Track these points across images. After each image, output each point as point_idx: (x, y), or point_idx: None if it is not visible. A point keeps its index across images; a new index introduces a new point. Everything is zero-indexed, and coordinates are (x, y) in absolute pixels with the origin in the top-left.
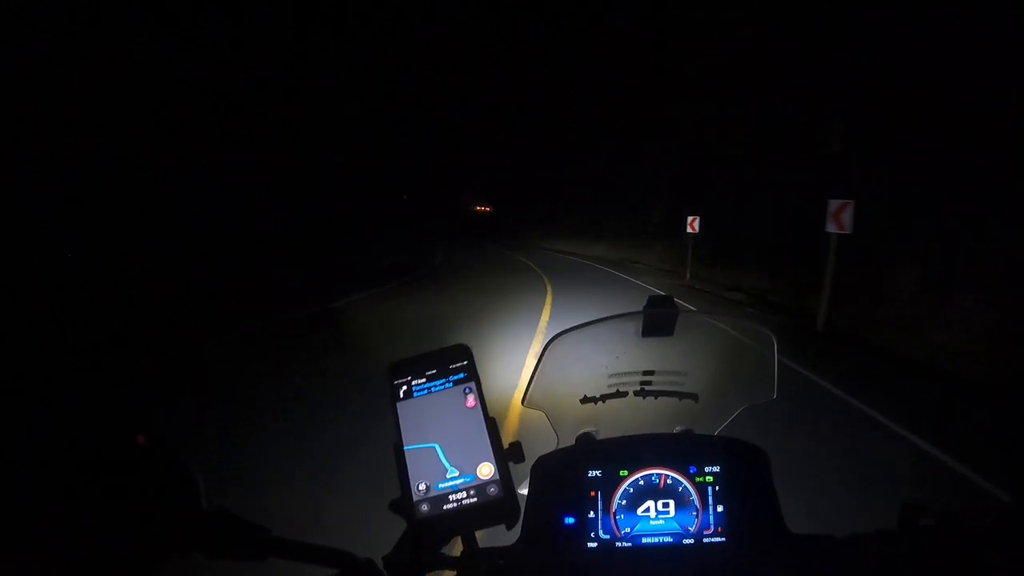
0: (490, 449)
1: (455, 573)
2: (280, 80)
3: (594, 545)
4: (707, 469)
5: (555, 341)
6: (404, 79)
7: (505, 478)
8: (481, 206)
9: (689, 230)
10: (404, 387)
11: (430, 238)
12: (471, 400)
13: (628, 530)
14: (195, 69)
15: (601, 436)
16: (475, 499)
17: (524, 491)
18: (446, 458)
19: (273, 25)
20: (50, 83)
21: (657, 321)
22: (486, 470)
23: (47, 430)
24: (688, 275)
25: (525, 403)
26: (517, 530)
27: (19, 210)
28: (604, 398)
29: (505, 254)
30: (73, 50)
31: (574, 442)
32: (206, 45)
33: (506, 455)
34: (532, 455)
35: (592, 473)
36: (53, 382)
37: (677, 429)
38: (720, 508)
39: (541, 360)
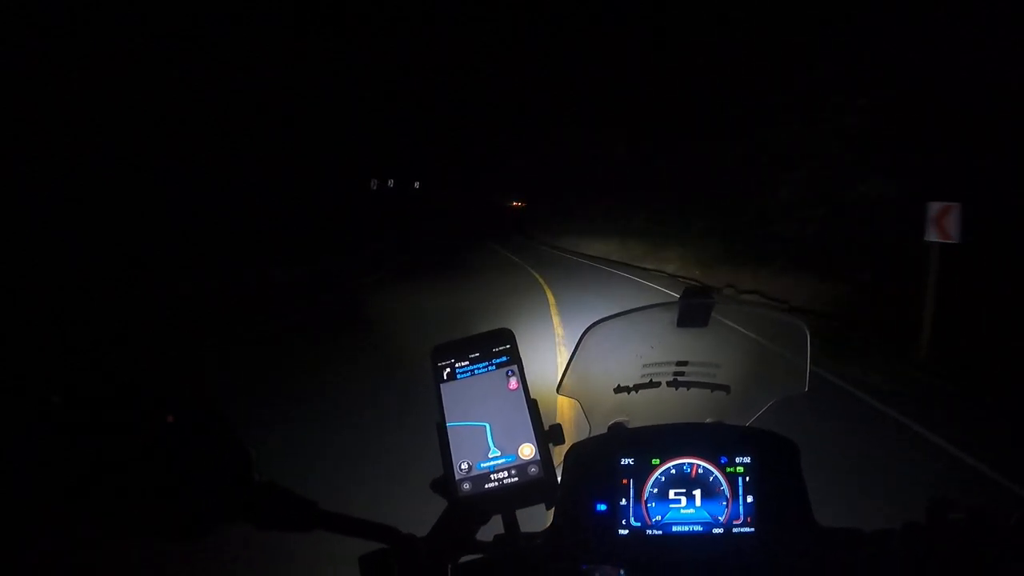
0: (532, 430)
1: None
2: (282, 80)
3: (625, 532)
4: (738, 460)
5: (592, 329)
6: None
7: (546, 459)
8: (517, 202)
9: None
10: (447, 369)
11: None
12: (514, 382)
13: (659, 518)
14: (196, 69)
15: (633, 426)
16: (516, 479)
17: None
18: (492, 438)
19: (280, 26)
20: (48, 82)
21: (693, 312)
22: (527, 450)
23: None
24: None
25: (560, 391)
26: (550, 516)
27: (18, 210)
28: (637, 388)
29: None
30: (68, 49)
31: (606, 431)
32: (208, 45)
33: (547, 436)
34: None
35: (625, 461)
36: (53, 381)
37: (708, 420)
38: (750, 499)
39: (577, 348)
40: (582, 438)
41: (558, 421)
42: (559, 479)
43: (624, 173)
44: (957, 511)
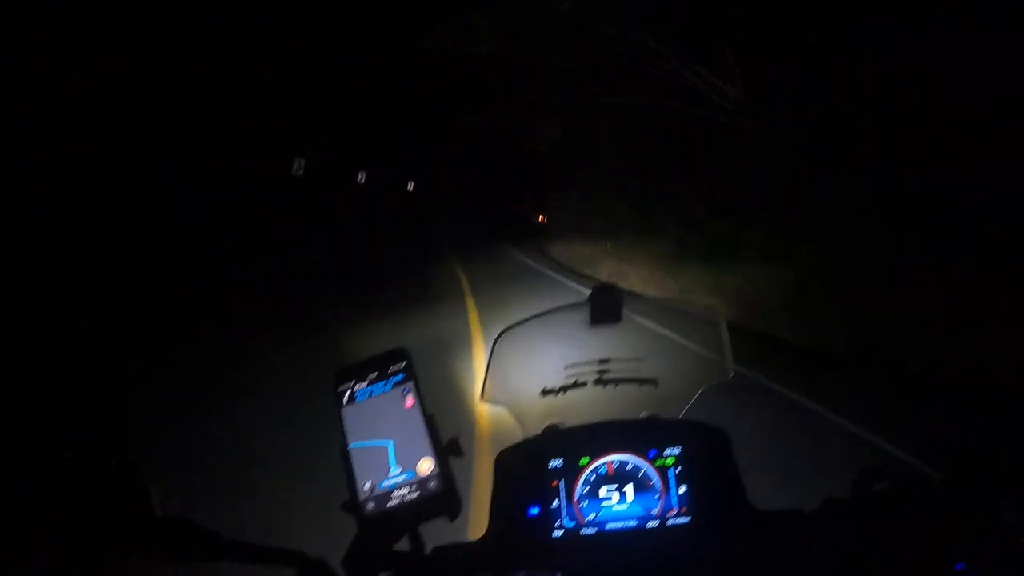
0: (430, 445)
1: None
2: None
3: (559, 533)
4: (667, 452)
5: (503, 337)
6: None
7: (445, 472)
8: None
9: None
10: (348, 392)
11: None
12: (410, 400)
13: (592, 516)
14: (194, 71)
15: (568, 426)
16: (417, 494)
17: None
18: (394, 455)
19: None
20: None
21: (603, 309)
22: (426, 465)
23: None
24: None
25: (483, 399)
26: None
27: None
28: (564, 389)
29: None
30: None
31: (541, 433)
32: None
33: (445, 450)
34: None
35: (553, 463)
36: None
37: (643, 414)
38: (683, 489)
39: (492, 356)
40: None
41: (482, 431)
42: (493, 487)
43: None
44: (881, 481)
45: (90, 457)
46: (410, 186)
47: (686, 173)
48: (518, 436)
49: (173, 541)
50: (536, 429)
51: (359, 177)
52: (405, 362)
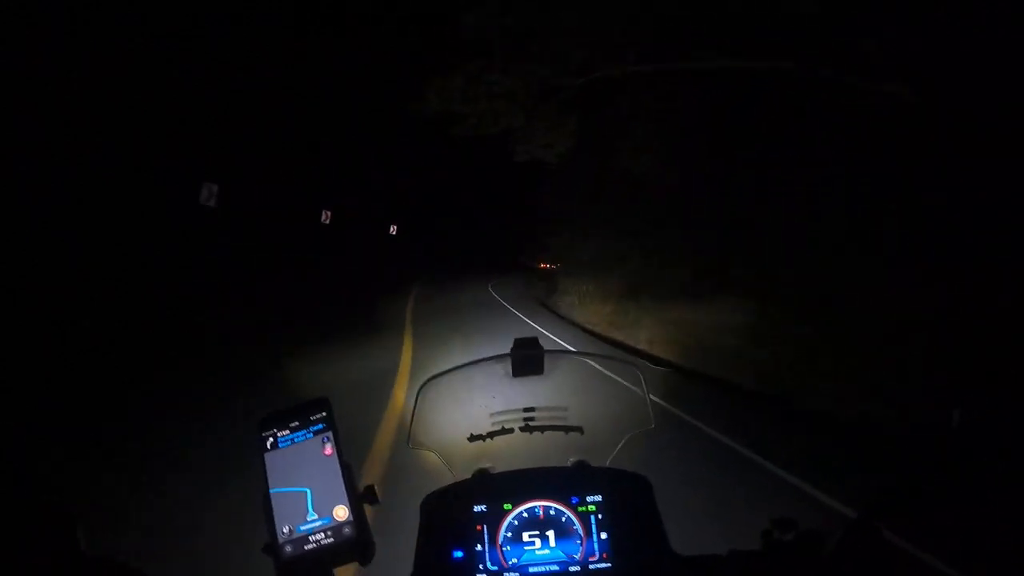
0: (345, 493)
1: None
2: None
3: None
4: (589, 499)
5: (426, 386)
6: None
7: (359, 518)
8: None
9: None
10: (271, 439)
11: None
12: (329, 448)
13: (515, 560)
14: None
15: (498, 471)
16: (332, 539)
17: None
18: (311, 502)
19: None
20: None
21: (525, 362)
22: (341, 512)
23: None
24: None
25: (410, 444)
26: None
27: None
28: (491, 435)
29: None
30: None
31: (471, 476)
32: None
33: (361, 497)
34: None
35: (478, 508)
36: None
37: (571, 461)
38: (604, 536)
39: (416, 404)
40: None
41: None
42: (419, 530)
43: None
44: (787, 532)
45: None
46: (392, 229)
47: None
48: (447, 480)
49: None
50: (466, 473)
51: (323, 216)
52: (325, 412)
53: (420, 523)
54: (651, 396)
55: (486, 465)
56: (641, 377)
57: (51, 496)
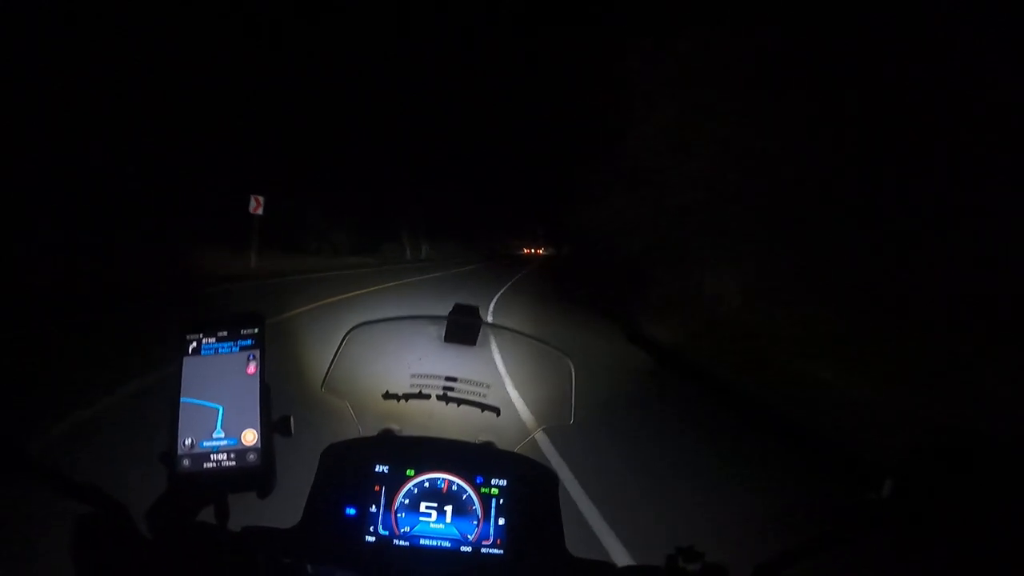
0: (259, 417)
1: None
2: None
3: (372, 539)
4: (494, 482)
5: (355, 331)
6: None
7: (267, 448)
8: (533, 247)
9: None
10: (194, 343)
11: None
12: (252, 367)
13: (407, 529)
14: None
15: (404, 434)
16: (234, 463)
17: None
18: (222, 420)
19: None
20: None
21: (460, 329)
22: (250, 436)
23: None
24: None
25: (323, 388)
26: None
27: None
28: (406, 397)
29: None
30: None
31: (376, 435)
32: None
33: (273, 426)
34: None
35: (379, 468)
36: None
37: (480, 439)
38: (502, 521)
39: (339, 348)
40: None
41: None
42: (315, 478)
43: None
44: (694, 561)
45: None
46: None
47: None
48: (352, 433)
49: None
50: (372, 429)
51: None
52: (258, 328)
53: (317, 471)
54: (575, 393)
55: (393, 426)
56: (572, 372)
57: None
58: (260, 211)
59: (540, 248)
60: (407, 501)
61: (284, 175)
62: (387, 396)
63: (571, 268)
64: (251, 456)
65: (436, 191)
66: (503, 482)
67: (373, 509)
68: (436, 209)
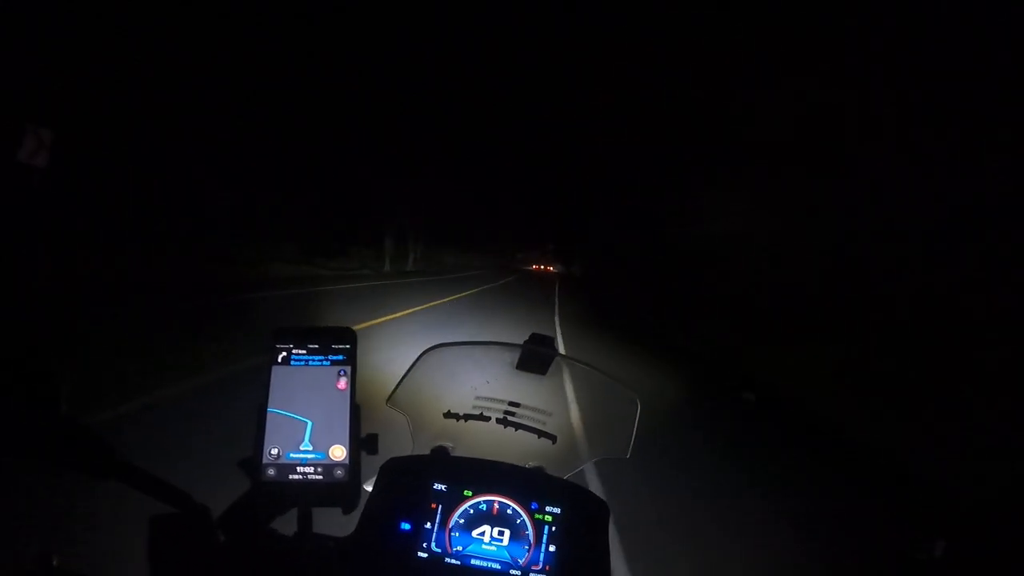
0: (348, 433)
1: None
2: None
3: (424, 556)
4: (548, 508)
5: (431, 352)
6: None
7: (354, 464)
8: (543, 264)
9: None
10: (284, 353)
11: None
12: (343, 383)
13: (460, 548)
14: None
15: (455, 453)
16: (320, 477)
17: (371, 487)
18: (310, 434)
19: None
20: None
21: (534, 358)
22: (338, 452)
23: None
24: None
25: (388, 403)
26: (352, 521)
27: None
28: (467, 417)
29: None
30: None
31: (429, 452)
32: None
33: (361, 444)
34: (387, 455)
35: (437, 486)
36: None
37: (530, 464)
38: (553, 548)
39: (413, 366)
40: (403, 454)
41: (375, 431)
42: (370, 489)
43: None
44: None
45: None
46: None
47: None
48: (407, 447)
49: (70, 446)
50: (425, 445)
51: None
52: (349, 344)
53: (375, 484)
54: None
55: (447, 444)
56: (638, 406)
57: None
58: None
59: (550, 265)
60: (462, 520)
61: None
62: (448, 415)
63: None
64: (338, 472)
65: (436, 192)
66: (557, 509)
67: (428, 526)
68: (437, 212)
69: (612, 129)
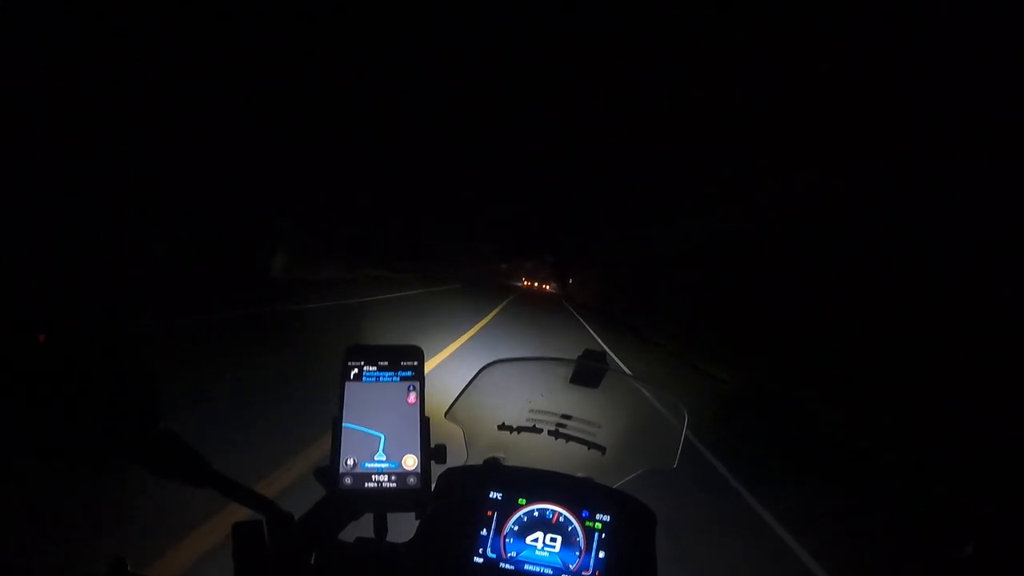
0: (419, 444)
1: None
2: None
3: (480, 560)
4: (598, 516)
5: (491, 367)
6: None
7: (425, 473)
8: (535, 280)
9: None
10: (356, 370)
11: None
12: (413, 398)
13: (514, 554)
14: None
15: (507, 463)
16: (395, 484)
17: None
18: (384, 446)
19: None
20: None
21: (587, 372)
22: (411, 462)
23: None
24: None
25: (447, 416)
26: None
27: None
28: (520, 429)
29: None
30: None
31: (482, 463)
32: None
33: (431, 453)
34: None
35: (493, 494)
36: None
37: (580, 475)
38: (602, 554)
39: (472, 381)
40: (457, 464)
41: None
42: (431, 499)
43: None
44: None
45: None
46: None
47: None
48: (460, 457)
49: (164, 457)
50: (477, 455)
51: None
52: (417, 361)
53: (434, 493)
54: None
55: (499, 455)
56: (686, 417)
57: (131, 359)
58: None
59: (545, 283)
60: (516, 528)
61: None
62: (502, 427)
63: None
64: (411, 480)
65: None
66: (607, 517)
67: (484, 532)
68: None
69: (634, 132)
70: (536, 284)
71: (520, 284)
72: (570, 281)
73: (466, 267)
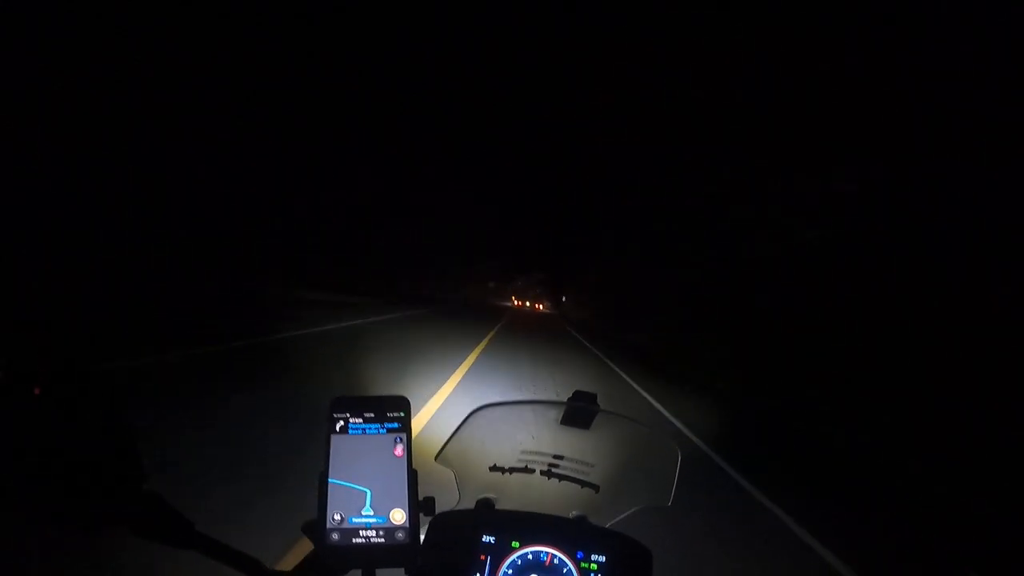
0: (407, 497)
1: None
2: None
3: None
4: (593, 557)
5: (480, 411)
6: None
7: (414, 527)
8: (525, 299)
9: None
10: (341, 422)
11: None
12: (400, 450)
13: None
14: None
15: (500, 506)
16: (383, 540)
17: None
18: (371, 501)
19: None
20: None
21: (577, 413)
22: (399, 516)
23: None
24: None
25: (438, 460)
26: None
27: None
28: (512, 470)
29: None
30: None
31: (473, 505)
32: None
33: (419, 507)
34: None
35: (486, 538)
36: None
37: (573, 514)
38: None
39: (462, 426)
40: (448, 508)
41: (431, 495)
42: (421, 544)
43: None
44: None
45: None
46: None
47: None
48: (452, 500)
49: (147, 518)
50: (470, 498)
51: None
52: (403, 412)
53: (425, 538)
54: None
55: (490, 495)
56: (678, 456)
57: (115, 419)
58: None
59: (538, 301)
60: (510, 571)
61: None
62: (493, 469)
63: None
64: (399, 534)
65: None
66: (602, 558)
67: None
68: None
69: (642, 139)
70: (527, 303)
71: (510, 304)
72: (563, 299)
73: (453, 289)
